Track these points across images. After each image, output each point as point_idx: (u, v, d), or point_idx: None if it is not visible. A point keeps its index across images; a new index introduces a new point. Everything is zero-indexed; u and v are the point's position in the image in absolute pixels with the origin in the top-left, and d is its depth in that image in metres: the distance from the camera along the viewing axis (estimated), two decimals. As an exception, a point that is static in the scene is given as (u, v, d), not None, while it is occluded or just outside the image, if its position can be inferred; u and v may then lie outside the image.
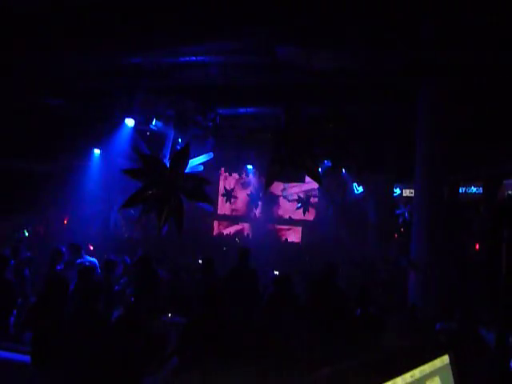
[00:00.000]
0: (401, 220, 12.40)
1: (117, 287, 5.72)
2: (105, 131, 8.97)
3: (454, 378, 0.76)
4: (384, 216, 11.05)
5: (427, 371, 0.71)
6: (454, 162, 8.95)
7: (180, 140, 8.80)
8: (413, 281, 6.13)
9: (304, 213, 14.59)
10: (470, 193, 13.11)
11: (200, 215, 13.56)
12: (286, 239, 15.39)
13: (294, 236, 15.91)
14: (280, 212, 16.41)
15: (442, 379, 0.73)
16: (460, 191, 12.94)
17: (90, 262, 5.94)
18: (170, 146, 7.80)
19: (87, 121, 8.84)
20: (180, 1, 5.24)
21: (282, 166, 5.48)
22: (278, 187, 15.31)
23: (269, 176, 5.74)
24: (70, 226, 11.71)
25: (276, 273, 7.08)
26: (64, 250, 5.88)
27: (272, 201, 15.97)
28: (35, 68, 6.57)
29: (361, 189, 13.28)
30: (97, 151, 10.42)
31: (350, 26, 5.62)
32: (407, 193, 13.43)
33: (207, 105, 7.98)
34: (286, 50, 6.04)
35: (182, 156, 4.89)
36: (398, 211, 12.38)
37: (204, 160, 8.20)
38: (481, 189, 12.61)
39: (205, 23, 5.49)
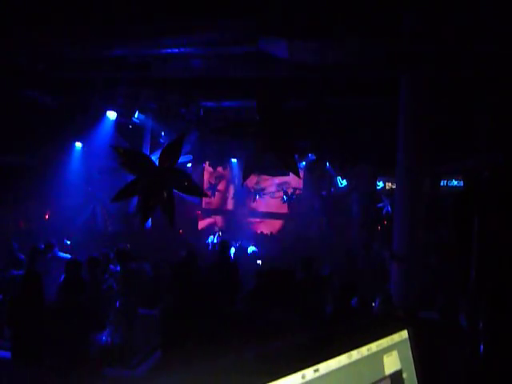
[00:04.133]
0: (384, 212, 12.56)
1: (104, 286, 5.66)
2: (86, 124, 8.84)
3: (412, 352, 0.78)
4: (366, 209, 11.17)
5: (385, 345, 0.73)
6: (435, 155, 9.10)
7: (163, 133, 8.72)
8: (395, 272, 6.22)
9: (288, 207, 14.69)
10: (452, 186, 13.36)
11: (184, 209, 13.51)
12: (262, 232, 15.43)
13: (268, 229, 15.96)
14: (254, 205, 16.49)
15: (399, 353, 0.75)
16: (442, 184, 13.16)
17: (62, 257, 5.91)
18: (149, 138, 7.72)
19: (68, 113, 8.69)
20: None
21: (259, 159, 5.48)
22: (252, 181, 15.42)
23: (245, 169, 5.73)
24: (51, 221, 11.54)
25: (259, 262, 7.11)
26: (43, 247, 5.84)
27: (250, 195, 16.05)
28: (13, 58, 6.42)
29: (344, 182, 13.40)
30: (78, 144, 10.26)
31: (333, 17, 5.62)
32: (390, 185, 13.61)
33: (190, 97, 7.92)
34: (268, 41, 6.02)
35: (173, 149, 4.84)
36: (379, 204, 12.53)
37: (181, 161, 8.11)
38: (462, 182, 12.86)
39: (187, 14, 5.43)
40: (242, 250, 10.03)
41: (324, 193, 13.33)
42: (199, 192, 5.31)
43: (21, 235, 10.31)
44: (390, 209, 12.00)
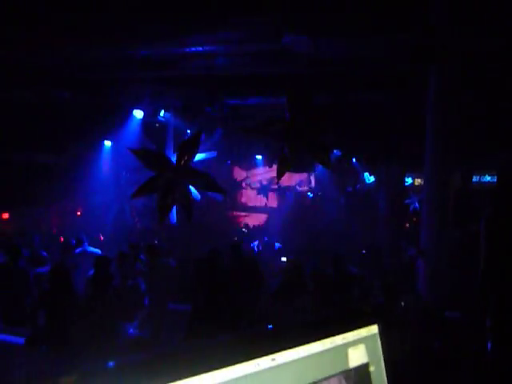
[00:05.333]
0: (411, 209, 12.30)
1: (131, 281, 5.80)
2: (115, 123, 9.06)
3: (382, 347, 0.77)
4: (394, 205, 10.96)
5: (351, 339, 0.72)
6: (466, 151, 8.82)
7: (188, 131, 8.83)
8: (422, 270, 6.10)
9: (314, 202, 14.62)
10: (485, 181, 12.92)
11: (216, 206, 13.65)
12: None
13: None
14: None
15: (367, 347, 0.74)
16: (474, 180, 12.76)
17: (91, 252, 6.08)
18: (173, 136, 7.85)
19: (97, 113, 8.93)
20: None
21: (291, 156, 5.46)
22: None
23: (280, 167, 5.72)
24: (83, 218, 11.91)
25: (284, 259, 7.11)
26: (74, 242, 6.04)
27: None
28: (44, 60, 6.65)
29: (372, 178, 13.20)
30: (107, 143, 10.54)
31: (358, 12, 5.54)
32: (419, 182, 13.31)
33: (214, 95, 7.98)
34: (293, 38, 6.00)
35: (191, 145, 4.90)
36: (407, 200, 12.27)
37: (206, 157, 8.21)
38: (495, 177, 12.41)
39: (212, 13, 5.47)
40: (267, 246, 10.06)
41: (349, 189, 13.17)
42: (217, 188, 5.34)
43: (54, 232, 10.73)
44: (418, 205, 11.74)
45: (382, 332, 0.76)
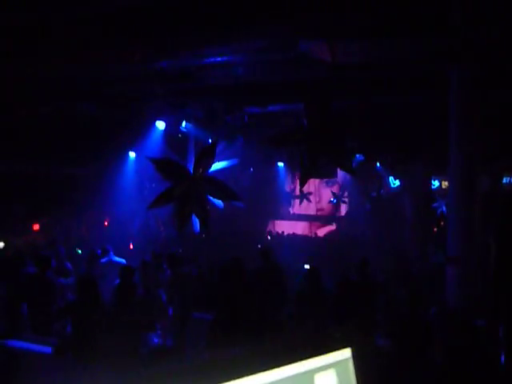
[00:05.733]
0: (438, 213, 11.96)
1: (153, 291, 5.86)
2: (139, 135, 9.26)
3: (355, 372, 0.74)
4: (421, 210, 10.69)
5: (319, 364, 0.70)
6: (495, 151, 8.52)
7: (210, 141, 8.92)
8: (450, 276, 5.91)
9: (337, 209, 14.46)
10: (516, 183, 12.44)
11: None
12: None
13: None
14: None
15: (338, 372, 0.72)
16: (504, 181, 12.30)
17: (117, 262, 6.18)
18: (194, 146, 7.95)
19: (122, 125, 9.16)
20: (202, 3, 5.30)
21: (313, 162, 5.42)
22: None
23: (303, 174, 5.69)
24: (110, 227, 12.19)
25: (307, 267, 7.04)
26: (100, 252, 6.17)
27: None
28: (70, 75, 6.87)
29: (397, 182, 12.94)
30: (132, 154, 10.77)
31: (374, 16, 5.47)
32: (446, 185, 12.94)
33: (234, 104, 8.04)
34: (310, 44, 5.97)
35: (207, 155, 4.95)
36: (434, 204, 11.94)
37: (228, 165, 8.26)
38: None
39: (227, 23, 5.52)
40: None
41: (374, 194, 12.95)
42: (234, 197, 5.34)
43: (83, 241, 11.00)
44: (445, 209, 11.42)
45: (355, 356, 0.73)
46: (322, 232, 15.80)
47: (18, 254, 5.77)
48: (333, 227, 16.05)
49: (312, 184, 14.96)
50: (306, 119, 5.28)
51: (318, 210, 16.46)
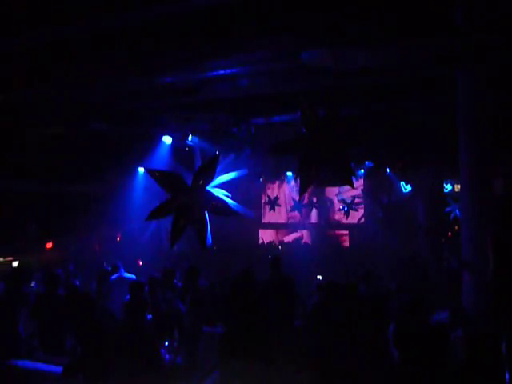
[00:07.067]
0: (452, 217, 11.74)
1: (165, 305, 5.81)
2: (146, 150, 9.34)
3: None
4: (433, 214, 10.50)
5: None
6: (508, 151, 8.35)
7: (217, 153, 8.93)
8: (465, 282, 5.76)
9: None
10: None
11: (244, 225, 13.65)
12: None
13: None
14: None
15: None
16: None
17: (127, 278, 6.17)
18: (200, 159, 7.96)
19: (130, 141, 9.26)
20: (201, 16, 5.34)
21: (313, 170, 5.34)
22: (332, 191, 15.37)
23: (301, 184, 5.61)
24: (121, 243, 12.24)
25: (319, 277, 6.94)
26: (109, 268, 6.18)
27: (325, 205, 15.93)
28: (75, 95, 6.96)
29: (409, 187, 12.77)
30: (141, 169, 10.84)
31: (375, 20, 5.44)
32: (459, 188, 12.72)
33: (240, 116, 8.05)
34: (311, 53, 5.96)
35: (207, 169, 4.93)
36: (447, 208, 11.72)
37: (237, 176, 8.25)
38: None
39: (228, 36, 5.55)
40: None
41: (385, 200, 12.79)
42: (232, 213, 5.28)
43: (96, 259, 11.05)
44: (458, 213, 11.20)
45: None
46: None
47: (24, 272, 5.76)
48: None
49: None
50: (304, 128, 5.23)
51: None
